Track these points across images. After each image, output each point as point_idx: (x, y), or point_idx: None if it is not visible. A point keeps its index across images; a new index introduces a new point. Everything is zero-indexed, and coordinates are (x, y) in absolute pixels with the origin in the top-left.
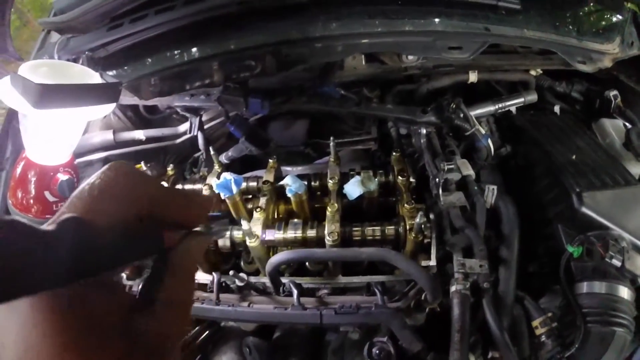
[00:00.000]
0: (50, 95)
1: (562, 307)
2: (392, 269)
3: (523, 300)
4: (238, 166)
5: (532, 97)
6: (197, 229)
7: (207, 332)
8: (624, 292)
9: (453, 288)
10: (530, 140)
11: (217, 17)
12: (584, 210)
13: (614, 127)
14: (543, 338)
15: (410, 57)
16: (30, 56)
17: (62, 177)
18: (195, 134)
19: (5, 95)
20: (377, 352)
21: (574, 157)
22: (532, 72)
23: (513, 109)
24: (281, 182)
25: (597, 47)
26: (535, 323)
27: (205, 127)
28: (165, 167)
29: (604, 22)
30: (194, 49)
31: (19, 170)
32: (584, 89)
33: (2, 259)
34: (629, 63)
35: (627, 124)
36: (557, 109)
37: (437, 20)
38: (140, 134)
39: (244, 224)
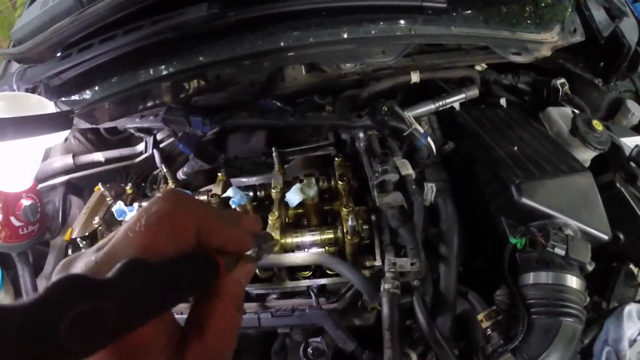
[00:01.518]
0: (5, 128)
1: (507, 299)
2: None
3: (467, 294)
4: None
5: (473, 92)
6: (248, 252)
7: None
8: (572, 281)
9: (382, 287)
10: (471, 135)
11: (155, 43)
12: (524, 200)
13: (562, 115)
14: (489, 331)
15: (348, 64)
16: None
17: (26, 202)
18: (151, 152)
19: None
20: (311, 351)
21: (515, 148)
22: (478, 67)
23: (456, 105)
24: (223, 195)
25: (533, 37)
26: (480, 316)
27: (165, 144)
28: (124, 186)
29: (542, 12)
30: (137, 74)
31: None
32: (531, 80)
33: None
34: (574, 50)
35: (575, 110)
36: (502, 101)
37: (359, 27)
38: (99, 156)
39: None
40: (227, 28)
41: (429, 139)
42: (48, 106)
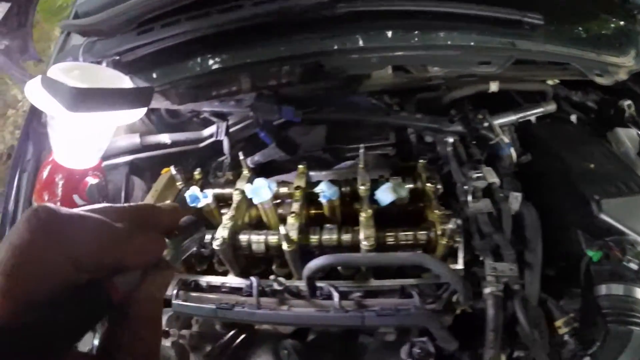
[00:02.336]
0: (85, 98)
1: (581, 308)
2: (418, 273)
3: (546, 301)
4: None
5: (552, 107)
6: (164, 253)
7: (240, 336)
8: None
9: (487, 290)
10: (548, 149)
11: (254, 26)
12: (602, 216)
13: (629, 137)
14: (566, 337)
15: (436, 67)
16: (49, 58)
17: (92, 180)
18: (221, 138)
19: (34, 97)
20: (418, 351)
21: (591, 166)
22: (549, 82)
23: (533, 118)
24: (317, 189)
25: (613, 60)
26: (558, 323)
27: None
28: (192, 171)
29: (619, 36)
30: (229, 57)
31: (45, 173)
32: (598, 98)
33: None
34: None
35: None
36: (573, 118)
37: (467, 35)
38: (166, 138)
39: (281, 229)
40: (335, 19)
41: (512, 150)
42: (124, 80)
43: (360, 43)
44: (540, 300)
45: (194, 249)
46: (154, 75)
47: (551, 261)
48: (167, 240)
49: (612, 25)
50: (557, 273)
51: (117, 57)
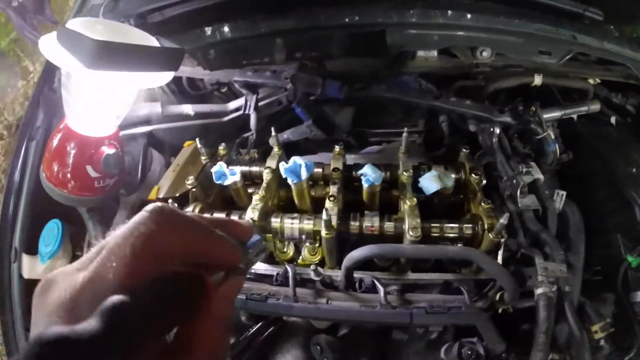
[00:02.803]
0: (109, 54)
1: (617, 314)
2: (456, 268)
3: (584, 305)
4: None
5: (595, 106)
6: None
7: (270, 328)
8: None
9: (540, 290)
10: (591, 149)
11: None
12: None
13: None
14: (602, 342)
15: (485, 54)
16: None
17: (108, 150)
18: (249, 112)
19: (49, 52)
20: (469, 352)
21: (634, 170)
22: (591, 81)
23: (575, 116)
24: (360, 172)
25: None
26: (594, 328)
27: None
28: (214, 145)
29: None
30: (271, 21)
31: (55, 141)
32: (637, 102)
33: None
34: None
35: None
36: (613, 120)
37: (530, 22)
38: (188, 109)
39: (324, 214)
40: None
41: (557, 146)
42: (151, 41)
43: (423, 18)
44: (579, 303)
45: (260, 261)
46: (183, 38)
47: (588, 264)
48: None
49: None
50: (592, 277)
51: (143, 17)
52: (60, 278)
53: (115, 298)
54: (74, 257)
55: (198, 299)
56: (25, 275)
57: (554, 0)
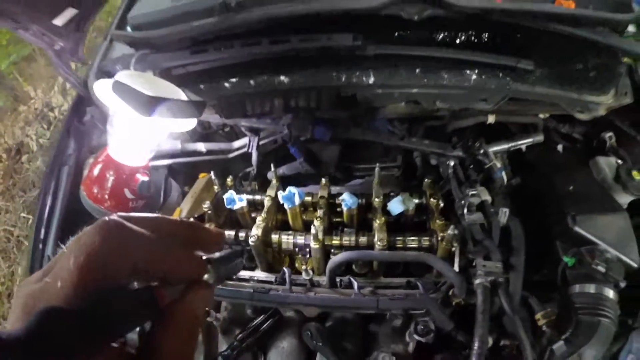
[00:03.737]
0: (156, 106)
1: (558, 304)
2: (422, 274)
3: (528, 298)
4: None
5: (539, 137)
6: (205, 276)
7: (269, 320)
8: (609, 293)
9: (477, 281)
10: (538, 173)
11: (298, 57)
12: (576, 229)
13: (607, 164)
14: (544, 327)
15: (439, 103)
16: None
17: (142, 177)
18: (251, 151)
19: (103, 96)
20: (422, 327)
21: (571, 188)
22: (541, 116)
23: (523, 146)
24: (340, 198)
25: (594, 99)
26: (537, 316)
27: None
28: (221, 176)
29: (601, 77)
30: (274, 81)
31: (96, 170)
32: (583, 130)
33: None
34: (622, 109)
35: (619, 160)
36: (560, 147)
37: (472, 77)
38: (202, 146)
39: (312, 229)
40: (364, 58)
41: (503, 173)
42: (179, 92)
43: (384, 80)
44: (523, 297)
45: (233, 275)
46: (202, 89)
47: (540, 269)
48: (208, 265)
49: (596, 68)
50: (544, 279)
51: (169, 70)
52: (23, 286)
53: (49, 306)
54: None
55: (147, 312)
56: None
57: (490, 58)
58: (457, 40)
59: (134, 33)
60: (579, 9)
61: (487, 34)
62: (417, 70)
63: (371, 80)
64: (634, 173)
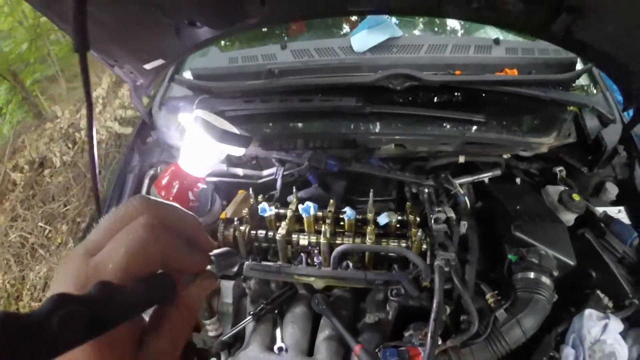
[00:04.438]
0: (223, 135)
1: (503, 289)
2: (402, 269)
3: (480, 285)
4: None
5: (497, 172)
6: (208, 267)
7: (287, 294)
8: (544, 279)
9: (435, 263)
10: (495, 199)
11: (318, 111)
12: (517, 234)
13: (555, 191)
14: (492, 305)
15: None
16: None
17: (202, 186)
18: (277, 177)
19: (188, 124)
20: (395, 292)
21: (518, 207)
22: (505, 156)
23: (486, 179)
24: (343, 211)
25: (536, 140)
26: (487, 297)
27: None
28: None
29: (545, 124)
30: (301, 126)
31: (165, 180)
32: (540, 166)
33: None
34: (571, 147)
35: (565, 188)
36: (518, 180)
37: (436, 129)
38: (239, 171)
39: (323, 229)
40: (363, 114)
41: (466, 198)
42: (233, 129)
43: (377, 129)
44: (477, 284)
45: (232, 269)
46: (248, 128)
47: (495, 269)
48: (213, 258)
49: (541, 116)
50: (498, 277)
51: (223, 112)
52: (70, 259)
53: (105, 280)
54: None
55: (168, 293)
56: None
57: (451, 114)
58: (429, 101)
59: (196, 81)
60: (520, 76)
61: (450, 96)
62: (399, 123)
63: (367, 129)
64: (574, 196)
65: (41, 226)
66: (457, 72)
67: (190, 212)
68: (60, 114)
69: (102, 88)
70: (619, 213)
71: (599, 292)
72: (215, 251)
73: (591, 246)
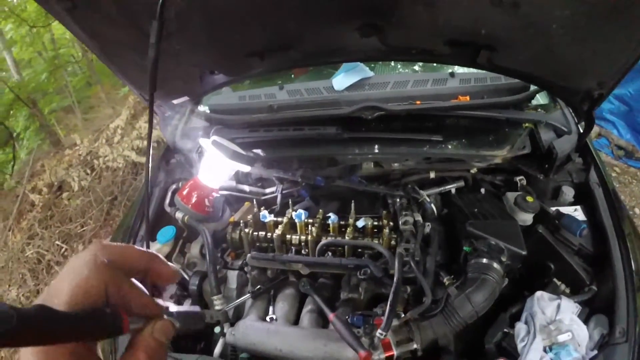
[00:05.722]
0: (234, 155)
1: (460, 274)
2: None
3: (439, 272)
4: None
5: (460, 184)
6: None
7: (279, 279)
8: (494, 264)
9: (397, 251)
10: (458, 206)
11: (308, 138)
12: (470, 229)
13: (512, 196)
14: (449, 287)
15: (396, 165)
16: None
17: (216, 195)
18: (277, 194)
19: (208, 147)
20: (364, 272)
21: (475, 210)
22: (472, 171)
23: (453, 190)
24: (327, 215)
25: (489, 153)
26: (445, 280)
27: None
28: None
29: (499, 139)
30: (295, 150)
31: (185, 191)
32: (503, 177)
33: None
34: (529, 158)
35: (521, 193)
36: (482, 190)
37: (401, 148)
38: (246, 188)
39: (311, 230)
40: (342, 140)
41: (432, 205)
42: (241, 151)
43: (354, 151)
44: (436, 272)
45: (191, 328)
46: (253, 152)
47: (455, 261)
48: (173, 311)
49: (495, 132)
50: (458, 267)
51: (233, 139)
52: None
53: (44, 304)
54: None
55: (110, 328)
56: None
57: (413, 135)
58: (396, 127)
59: (212, 114)
60: (471, 101)
61: (414, 122)
62: (371, 145)
63: (346, 150)
64: (528, 197)
65: (58, 244)
66: (418, 102)
67: (148, 251)
68: (79, 142)
69: (121, 119)
70: (576, 211)
71: (555, 279)
72: (181, 308)
73: (546, 240)
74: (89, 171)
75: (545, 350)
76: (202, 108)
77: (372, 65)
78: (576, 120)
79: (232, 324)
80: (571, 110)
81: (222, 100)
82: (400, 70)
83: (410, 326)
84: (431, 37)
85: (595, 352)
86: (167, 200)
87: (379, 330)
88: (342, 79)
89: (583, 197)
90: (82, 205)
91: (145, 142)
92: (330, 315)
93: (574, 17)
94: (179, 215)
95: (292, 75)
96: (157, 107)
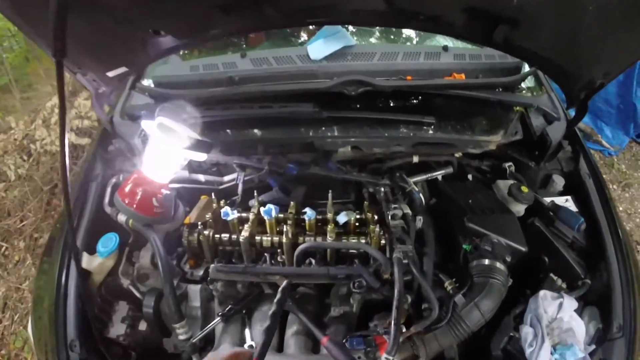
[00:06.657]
0: (185, 141)
1: (461, 277)
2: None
3: (438, 274)
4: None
5: (449, 170)
6: None
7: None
8: (498, 265)
9: (394, 256)
10: (448, 196)
11: (278, 117)
12: (469, 225)
13: (505, 185)
14: (450, 291)
15: (377, 149)
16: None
17: (166, 191)
18: (239, 182)
19: (153, 131)
20: (357, 283)
21: (470, 201)
22: (457, 155)
23: (439, 177)
24: (303, 211)
25: (484, 139)
26: (445, 284)
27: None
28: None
29: (492, 123)
30: (262, 132)
31: (128, 187)
32: (490, 163)
33: None
34: (519, 144)
35: (515, 182)
36: (470, 177)
37: (389, 131)
38: (201, 177)
39: (284, 229)
40: (320, 119)
41: (421, 195)
42: (195, 135)
43: (334, 133)
44: (435, 274)
45: None
46: (210, 135)
47: (451, 260)
48: None
49: (488, 116)
50: (455, 266)
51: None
52: None
53: None
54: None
55: None
56: (84, 266)
57: (403, 116)
58: (382, 106)
59: (157, 88)
60: (467, 80)
61: (402, 101)
62: (355, 127)
63: (325, 133)
64: (523, 188)
65: None
66: (408, 77)
67: None
68: (14, 125)
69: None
70: (567, 202)
71: (552, 275)
72: None
73: (542, 233)
74: (25, 157)
75: (549, 352)
76: (146, 82)
77: (354, 30)
78: (563, 107)
79: (201, 351)
80: (560, 96)
81: (170, 72)
82: (390, 38)
83: (414, 340)
84: (449, 1)
85: (593, 346)
86: (107, 199)
87: (385, 355)
88: (319, 47)
89: (573, 187)
90: (20, 197)
91: (85, 122)
92: (324, 340)
93: (614, 2)
94: (121, 218)
95: (244, 45)
96: (88, 81)
